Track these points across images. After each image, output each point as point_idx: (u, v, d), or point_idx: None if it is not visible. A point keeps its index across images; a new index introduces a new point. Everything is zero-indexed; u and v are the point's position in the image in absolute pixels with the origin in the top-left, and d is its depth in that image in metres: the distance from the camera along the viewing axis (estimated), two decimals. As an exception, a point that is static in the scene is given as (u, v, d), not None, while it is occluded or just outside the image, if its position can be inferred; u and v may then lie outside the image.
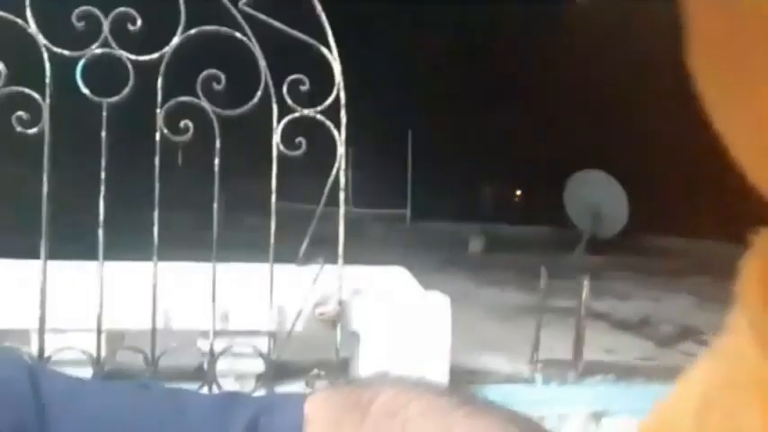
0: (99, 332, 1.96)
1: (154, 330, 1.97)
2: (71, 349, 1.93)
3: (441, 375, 2.09)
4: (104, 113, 1.94)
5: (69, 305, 2.00)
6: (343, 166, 2.04)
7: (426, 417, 0.46)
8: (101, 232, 1.97)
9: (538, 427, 0.48)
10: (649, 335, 4.77)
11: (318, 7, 1.99)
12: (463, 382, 2.28)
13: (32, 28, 1.92)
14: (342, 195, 2.07)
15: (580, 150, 11.15)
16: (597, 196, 9.74)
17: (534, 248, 8.86)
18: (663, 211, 10.94)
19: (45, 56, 1.91)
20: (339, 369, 2.07)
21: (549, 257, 7.41)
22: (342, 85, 2.02)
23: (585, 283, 2.94)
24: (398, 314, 2.11)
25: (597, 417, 2.15)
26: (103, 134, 1.96)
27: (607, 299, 5.31)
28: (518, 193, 15.18)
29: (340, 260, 2.05)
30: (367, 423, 0.47)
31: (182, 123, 1.95)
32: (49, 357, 1.91)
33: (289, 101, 1.98)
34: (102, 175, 1.95)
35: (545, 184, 11.63)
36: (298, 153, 2.01)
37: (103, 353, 1.97)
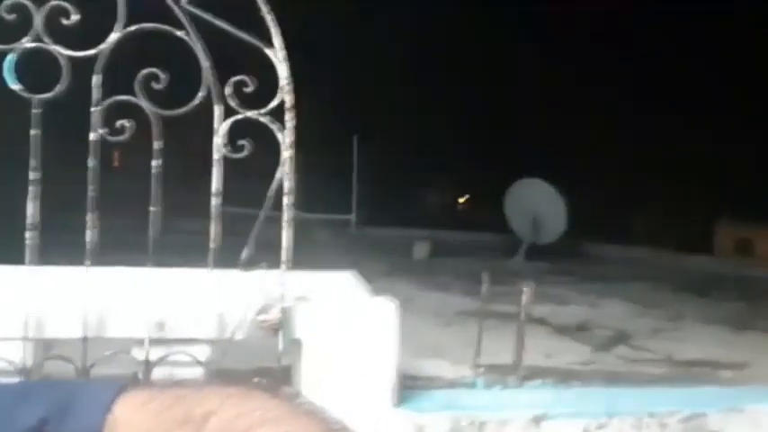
0: (26, 340, 1.86)
1: (85, 338, 1.89)
2: (-5, 359, 1.83)
3: (387, 381, 2.08)
4: (34, 110, 1.86)
5: (-6, 312, 1.90)
6: (288, 169, 2.01)
7: None
8: (29, 235, 1.87)
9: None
10: (586, 339, 4.91)
11: (264, 8, 1.95)
12: (406, 387, 2.27)
13: (-42, 19, 1.82)
14: (286, 200, 2.04)
15: (523, 158, 11.39)
16: (536, 204, 9.98)
17: (477, 254, 8.99)
18: (600, 219, 11.28)
19: (-29, 49, 1.82)
20: (281, 377, 2.03)
21: (491, 263, 7.52)
22: (287, 88, 1.99)
23: (525, 288, 2.99)
24: (345, 320, 2.09)
25: (537, 420, 2.18)
26: (32, 132, 1.87)
27: (546, 304, 5.44)
28: (462, 199, 15.40)
29: (283, 265, 2.02)
30: None
31: (118, 123, 1.88)
32: (-29, 367, 1.80)
33: (231, 102, 1.94)
34: (31, 175, 1.86)
35: (489, 190, 11.83)
36: (241, 155, 1.97)
37: (30, 362, 1.88)
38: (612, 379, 3.44)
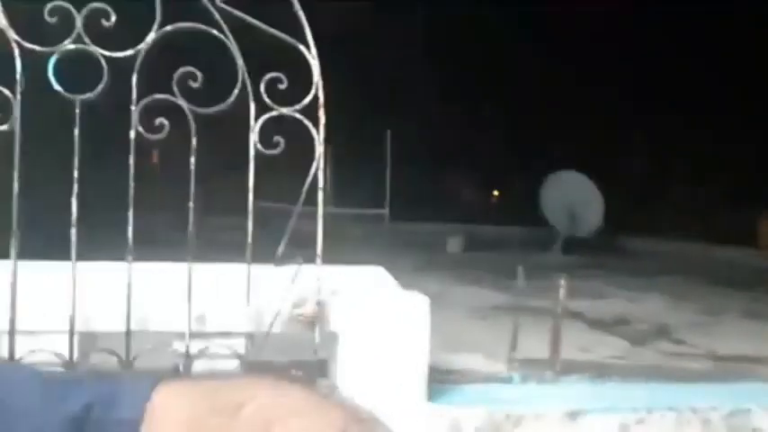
0: (72, 334, 1.92)
1: (128, 332, 1.94)
2: (43, 351, 1.89)
3: (419, 375, 2.09)
4: (77, 111, 1.91)
5: (41, 306, 1.96)
6: (321, 165, 2.03)
7: None
8: (74, 231, 1.93)
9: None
10: (624, 334, 4.83)
11: (297, 5, 1.97)
12: (441, 381, 2.28)
13: (3, 23, 1.87)
14: (320, 195, 2.05)
15: (556, 152, 11.25)
16: (573, 197, 9.85)
17: (511, 248, 8.92)
18: (637, 212, 11.08)
19: (16, 51, 1.87)
20: (317, 370, 2.06)
21: (525, 257, 7.46)
22: (320, 84, 2.01)
23: (562, 282, 2.96)
24: (377, 314, 2.10)
25: (574, 415, 2.16)
26: (76, 132, 1.92)
27: (582, 298, 5.38)
28: (495, 193, 15.27)
29: (318, 260, 2.04)
30: (235, 431, 0.43)
31: (157, 121, 1.92)
32: (20, 360, 1.87)
33: (266, 99, 1.97)
34: (75, 173, 1.92)
35: (522, 184, 11.71)
36: (275, 152, 1.99)
37: (76, 355, 1.93)
38: (651, 373, 3.39)
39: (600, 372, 3.25)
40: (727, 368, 3.80)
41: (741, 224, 10.63)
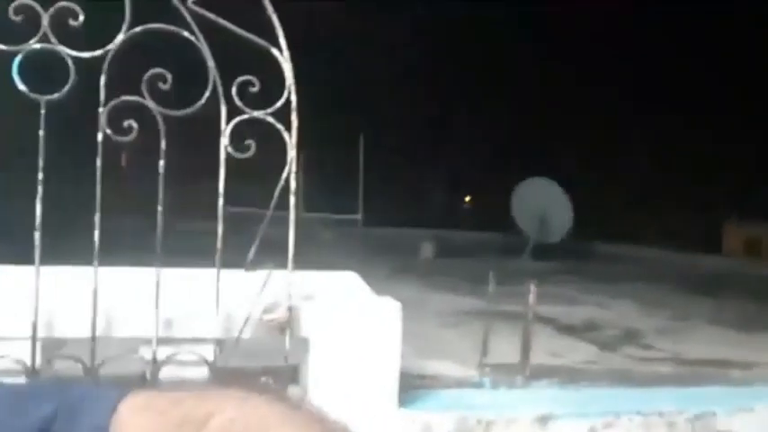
0: (34, 340, 1.87)
1: (93, 338, 1.90)
2: (4, 358, 1.84)
3: (391, 380, 2.08)
4: (43, 111, 1.86)
5: (3, 311, 1.91)
6: (293, 169, 2.02)
7: None
8: (37, 235, 1.88)
9: None
10: (594, 339, 4.89)
11: (270, 8, 1.96)
12: (412, 387, 2.27)
13: (-35, 20, 1.83)
14: (292, 199, 2.04)
15: (527, 158, 11.38)
16: (543, 203, 9.97)
17: (483, 254, 8.98)
18: (606, 218, 11.25)
19: (-21, 50, 1.82)
20: (288, 376, 2.04)
21: (497, 263, 7.51)
22: (293, 88, 2.00)
23: (532, 288, 2.98)
24: (349, 320, 2.09)
25: (544, 420, 2.18)
26: (41, 133, 1.87)
27: (553, 304, 5.43)
28: (467, 199, 15.37)
29: (290, 265, 2.02)
30: None
31: (126, 123, 1.89)
32: (-20, 367, 1.81)
33: (238, 102, 1.95)
34: (40, 175, 1.87)
35: (494, 190, 11.81)
36: (247, 155, 1.97)
37: (39, 362, 1.88)
38: (620, 378, 3.43)
39: (570, 377, 3.28)
40: (694, 372, 3.87)
41: (708, 229, 10.86)
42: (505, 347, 3.19)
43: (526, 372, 2.95)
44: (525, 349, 2.99)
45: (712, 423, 2.25)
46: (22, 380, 1.84)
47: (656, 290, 7.24)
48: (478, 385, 2.84)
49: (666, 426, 2.21)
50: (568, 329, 5.08)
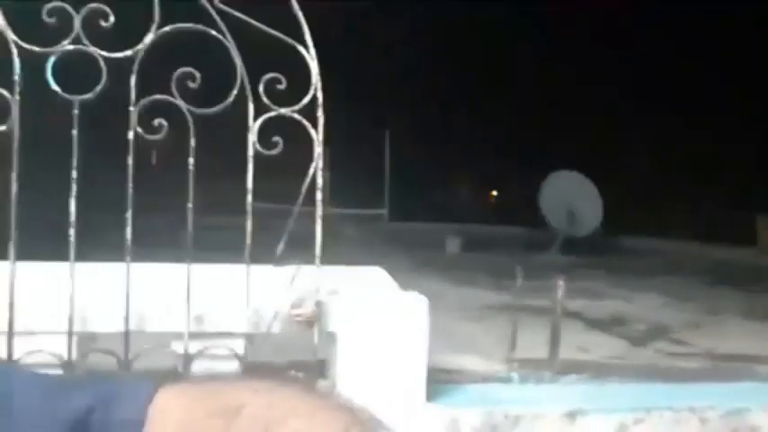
0: (70, 334, 1.92)
1: (126, 332, 1.94)
2: (40, 352, 1.89)
3: (418, 375, 2.09)
4: (75, 111, 1.91)
5: (39, 307, 1.96)
6: (320, 165, 2.03)
7: None
8: (72, 232, 1.93)
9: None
10: (623, 334, 4.84)
11: (296, 6, 1.97)
12: (439, 381, 2.28)
13: (1, 23, 1.87)
14: (319, 195, 2.05)
15: (554, 152, 11.26)
16: (571, 197, 9.86)
17: (510, 248, 8.93)
18: (636, 212, 11.09)
19: (14, 52, 1.87)
20: (317, 370, 2.06)
21: (524, 257, 7.47)
22: (319, 85, 2.01)
23: (561, 282, 2.96)
24: (376, 315, 2.11)
25: (572, 415, 2.17)
26: (74, 132, 1.92)
27: (581, 298, 5.38)
28: (494, 193, 15.28)
29: (317, 261, 2.04)
30: None
31: (156, 122, 1.92)
32: (18, 361, 1.87)
33: (265, 99, 1.97)
34: (74, 174, 1.92)
35: (521, 184, 11.72)
36: (274, 152, 1.99)
37: (74, 356, 1.93)
38: (650, 373, 3.39)
39: (598, 372, 3.25)
40: (726, 368, 3.80)
41: (740, 223, 10.65)
42: (533, 342, 3.17)
43: (554, 367, 2.93)
44: (554, 344, 2.97)
45: (745, 419, 2.21)
46: (59, 372, 1.89)
47: (686, 284, 7.12)
48: (506, 380, 2.84)
49: (698, 421, 2.18)
50: (597, 324, 5.03)
